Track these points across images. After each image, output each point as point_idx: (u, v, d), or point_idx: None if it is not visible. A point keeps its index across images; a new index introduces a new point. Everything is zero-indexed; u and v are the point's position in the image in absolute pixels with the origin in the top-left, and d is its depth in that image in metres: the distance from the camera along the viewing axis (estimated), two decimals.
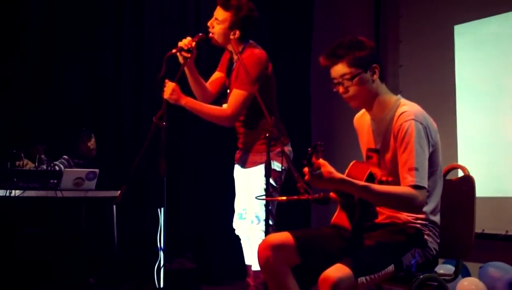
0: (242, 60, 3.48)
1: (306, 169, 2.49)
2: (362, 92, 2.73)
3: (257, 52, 3.69)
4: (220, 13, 3.68)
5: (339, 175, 2.53)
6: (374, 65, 2.72)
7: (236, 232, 3.86)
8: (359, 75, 2.70)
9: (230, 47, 3.76)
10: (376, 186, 2.61)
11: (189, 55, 3.64)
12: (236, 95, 3.64)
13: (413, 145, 2.58)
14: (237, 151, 3.89)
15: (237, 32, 3.66)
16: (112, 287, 4.85)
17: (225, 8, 3.66)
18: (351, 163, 2.87)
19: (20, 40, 5.57)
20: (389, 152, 2.72)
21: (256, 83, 3.49)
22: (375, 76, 2.72)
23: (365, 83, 2.72)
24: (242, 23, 3.66)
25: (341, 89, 2.75)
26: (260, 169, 3.60)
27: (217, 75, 3.97)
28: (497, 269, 4.74)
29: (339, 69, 2.72)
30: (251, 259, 3.74)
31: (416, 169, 2.56)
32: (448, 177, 3.03)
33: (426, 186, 2.58)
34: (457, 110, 5.66)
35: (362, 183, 2.60)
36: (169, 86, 3.59)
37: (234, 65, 3.77)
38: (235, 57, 3.73)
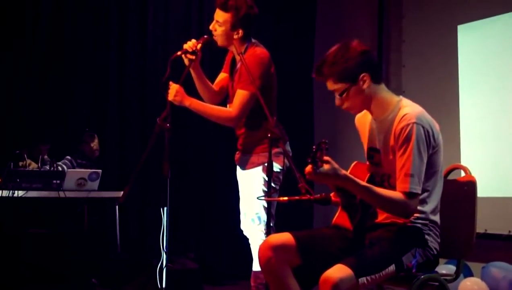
0: (244, 60, 3.48)
1: (308, 167, 2.49)
2: (356, 102, 2.74)
3: (259, 52, 3.68)
4: (220, 15, 3.66)
5: (343, 171, 2.55)
6: (362, 75, 2.68)
7: (245, 233, 3.85)
8: (348, 90, 2.70)
9: (233, 48, 3.75)
10: (377, 189, 2.62)
11: (194, 57, 3.63)
12: (240, 96, 3.63)
13: (412, 151, 2.59)
14: (236, 152, 3.88)
15: (240, 31, 3.65)
16: (114, 288, 4.85)
17: (224, 9, 3.64)
18: (353, 164, 2.88)
19: (25, 41, 5.60)
20: (390, 153, 2.72)
21: (258, 82, 3.49)
22: (366, 84, 2.69)
23: (357, 94, 2.71)
24: (243, 22, 3.63)
25: (337, 102, 2.76)
26: (258, 170, 3.61)
27: (222, 76, 3.96)
28: (499, 269, 4.74)
29: (329, 85, 2.73)
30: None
31: (412, 176, 2.57)
32: (450, 177, 3.03)
33: (420, 192, 2.60)
34: (460, 110, 5.65)
35: (364, 183, 2.62)
36: (173, 88, 3.59)
37: (237, 66, 3.77)
38: (237, 57, 3.72)
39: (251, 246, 3.77)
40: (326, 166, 2.49)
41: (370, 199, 2.63)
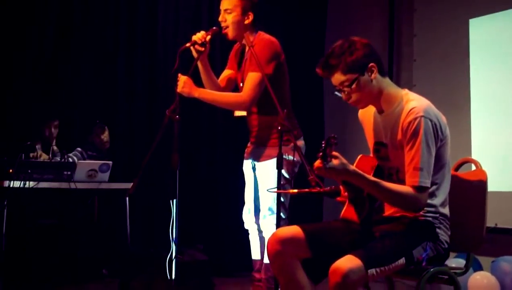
0: (253, 49, 3.47)
1: (318, 162, 2.50)
2: (364, 95, 2.73)
3: (268, 37, 3.69)
4: (227, 3, 3.67)
5: (352, 167, 2.56)
6: (370, 64, 2.69)
7: (245, 226, 3.86)
8: (356, 80, 2.69)
9: (244, 39, 3.73)
10: (386, 183, 2.62)
11: (202, 49, 3.63)
12: (251, 78, 3.61)
13: (420, 144, 2.58)
14: (248, 145, 3.88)
15: (251, 15, 3.66)
16: (124, 278, 4.87)
17: None
18: (358, 157, 2.88)
19: (37, 33, 5.61)
20: (397, 147, 2.71)
21: (269, 64, 3.49)
22: (374, 75, 2.69)
23: (365, 86, 2.70)
24: (252, 3, 3.66)
25: (344, 96, 2.75)
26: (273, 162, 3.60)
27: (226, 72, 3.96)
28: (509, 263, 4.72)
29: (337, 78, 2.71)
30: (258, 253, 3.75)
31: (421, 169, 2.57)
32: (461, 171, 3.03)
33: (429, 185, 2.60)
34: (471, 105, 5.63)
35: (373, 178, 2.62)
36: (182, 80, 3.60)
37: (246, 54, 3.76)
38: (248, 48, 3.70)
39: (250, 238, 3.80)
40: (335, 161, 2.50)
41: (379, 194, 2.64)
